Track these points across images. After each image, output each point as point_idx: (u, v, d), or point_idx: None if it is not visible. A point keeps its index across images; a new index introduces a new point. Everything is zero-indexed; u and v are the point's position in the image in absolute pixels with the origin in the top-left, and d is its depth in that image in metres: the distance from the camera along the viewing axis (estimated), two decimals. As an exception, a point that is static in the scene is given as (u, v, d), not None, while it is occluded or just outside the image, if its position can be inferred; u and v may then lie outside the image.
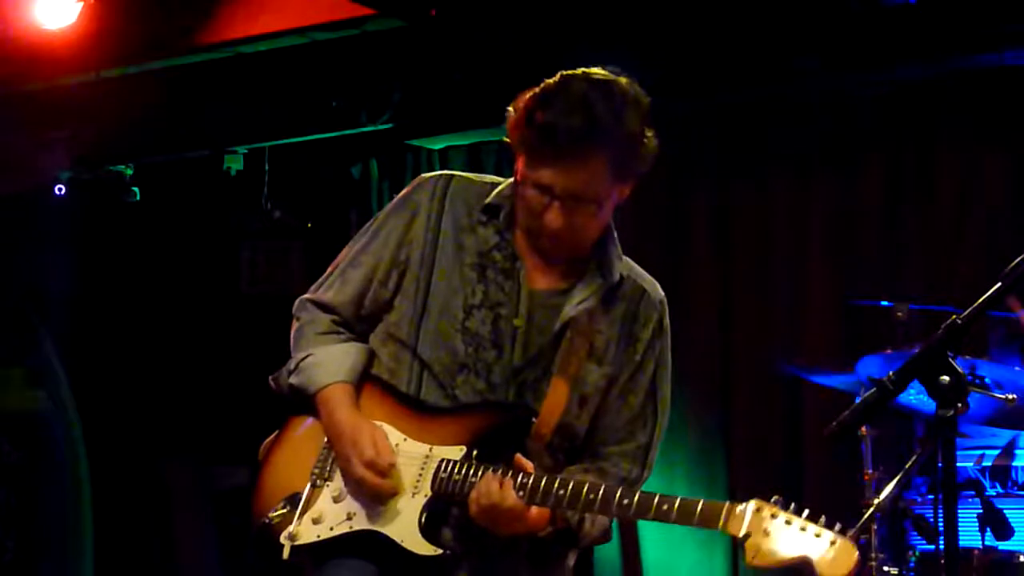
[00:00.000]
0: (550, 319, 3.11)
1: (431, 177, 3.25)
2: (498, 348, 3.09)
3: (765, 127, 6.60)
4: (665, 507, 2.82)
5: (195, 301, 7.69)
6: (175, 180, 7.57)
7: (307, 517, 3.08)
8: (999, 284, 2.48)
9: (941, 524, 2.47)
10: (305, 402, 3.18)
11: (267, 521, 3.12)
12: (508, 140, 3.09)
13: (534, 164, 3.00)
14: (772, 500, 2.76)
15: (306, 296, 3.29)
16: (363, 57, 6.44)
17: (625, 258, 3.26)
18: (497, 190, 3.18)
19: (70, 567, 7.43)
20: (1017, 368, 5.27)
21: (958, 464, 2.50)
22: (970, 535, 4.97)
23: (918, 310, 5.24)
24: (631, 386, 3.16)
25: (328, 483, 3.11)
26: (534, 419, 3.06)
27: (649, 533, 6.59)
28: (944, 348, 2.45)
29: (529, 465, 2.95)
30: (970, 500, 5.06)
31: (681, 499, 2.83)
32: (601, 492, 2.87)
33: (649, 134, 3.03)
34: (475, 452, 3.02)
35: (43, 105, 6.86)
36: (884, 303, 5.32)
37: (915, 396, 4.67)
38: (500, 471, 2.94)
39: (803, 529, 2.71)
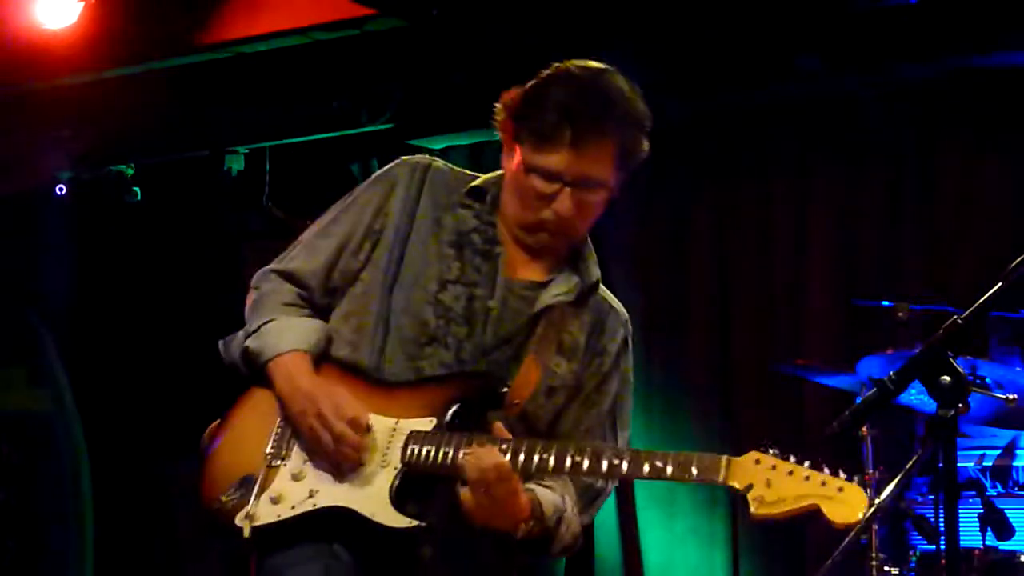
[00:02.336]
0: (524, 308, 3.05)
1: (411, 158, 3.20)
2: (469, 325, 3.02)
3: (766, 127, 6.60)
4: (659, 463, 2.73)
5: (195, 301, 7.69)
6: (176, 180, 7.57)
7: (264, 497, 2.93)
8: (999, 284, 2.48)
9: (942, 524, 2.47)
10: (255, 371, 3.06)
11: (218, 506, 2.96)
12: (501, 133, 3.06)
13: (543, 151, 2.96)
14: (770, 451, 2.69)
15: (269, 267, 3.19)
16: (364, 57, 6.44)
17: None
18: (484, 176, 3.15)
19: (70, 567, 7.43)
20: (1018, 368, 5.27)
21: (959, 464, 2.49)
22: (971, 535, 4.97)
23: (919, 310, 5.24)
24: (595, 397, 3.11)
25: (285, 462, 2.97)
26: (507, 387, 2.98)
27: (650, 533, 6.60)
28: (945, 348, 2.45)
29: (506, 433, 2.86)
30: (971, 500, 5.06)
31: (678, 455, 2.74)
32: (589, 451, 2.79)
33: (648, 126, 3.05)
34: (445, 421, 2.92)
35: (44, 105, 6.86)
36: (885, 303, 5.32)
37: (916, 396, 4.67)
38: (477, 440, 2.85)
39: (807, 477, 2.64)
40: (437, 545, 2.91)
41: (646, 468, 2.75)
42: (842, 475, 2.63)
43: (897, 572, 5.01)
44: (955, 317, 2.46)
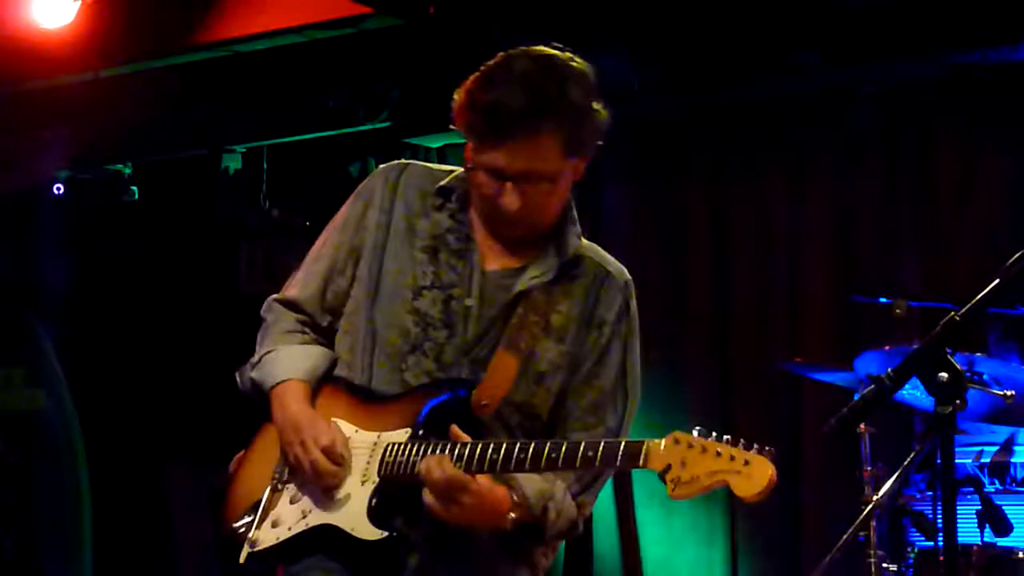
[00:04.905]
0: (502, 296, 3.07)
1: (386, 166, 3.24)
2: (449, 328, 3.05)
3: (763, 124, 6.60)
4: (590, 453, 2.80)
5: (193, 300, 7.69)
6: (173, 179, 7.57)
7: (267, 522, 3.09)
8: (997, 281, 2.48)
9: (940, 521, 2.47)
10: (263, 399, 3.17)
11: (232, 533, 3.13)
12: (455, 127, 3.05)
13: (482, 148, 2.97)
14: (695, 431, 2.72)
15: (273, 296, 3.29)
16: (361, 55, 6.43)
17: (591, 243, 3.20)
18: (452, 174, 3.16)
19: (69, 567, 7.43)
20: (1015, 364, 5.27)
21: (957, 461, 2.49)
22: (969, 531, 4.98)
23: (917, 307, 5.24)
24: (598, 370, 3.12)
25: (288, 486, 3.10)
26: (472, 391, 3.00)
27: (649, 531, 6.60)
28: (943, 345, 2.45)
29: (463, 436, 2.89)
30: (969, 496, 5.06)
31: (605, 442, 2.82)
32: (531, 448, 2.84)
33: (597, 106, 3.00)
34: (419, 431, 2.98)
35: (41, 104, 6.86)
36: (883, 300, 5.32)
37: (909, 392, 4.68)
38: (440, 447, 2.91)
39: (718, 454, 2.67)
40: (425, 550, 2.99)
41: (579, 460, 2.82)
42: (754, 448, 2.66)
43: (895, 569, 5.01)
44: (953, 314, 2.46)
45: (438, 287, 3.07)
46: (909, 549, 5.13)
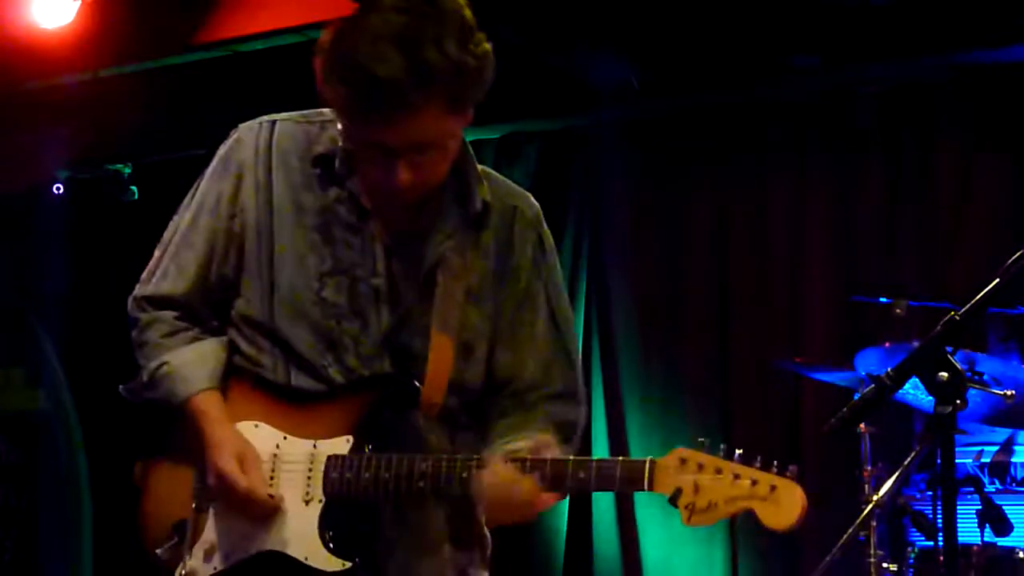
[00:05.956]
0: (414, 267, 2.72)
1: (248, 129, 2.85)
2: (361, 317, 2.70)
3: (763, 124, 6.59)
4: (582, 475, 2.50)
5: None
6: (173, 179, 7.54)
7: (198, 549, 2.73)
8: (997, 280, 2.48)
9: (940, 520, 2.47)
10: (168, 415, 2.84)
11: (156, 559, 2.82)
12: (322, 97, 2.61)
13: (360, 124, 2.57)
14: (699, 444, 2.48)
15: (139, 293, 2.93)
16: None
17: (491, 173, 2.85)
18: (326, 132, 2.76)
19: (69, 567, 7.43)
20: (1015, 363, 5.27)
21: (957, 460, 2.48)
22: (969, 531, 4.97)
23: (917, 307, 5.24)
24: (523, 317, 2.79)
25: (212, 502, 2.75)
26: (419, 385, 2.69)
27: (649, 531, 6.59)
28: (943, 344, 2.45)
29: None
30: (969, 496, 5.06)
31: (598, 462, 2.50)
32: (527, 466, 2.55)
33: (477, 49, 2.57)
34: (363, 440, 2.66)
35: (41, 104, 6.85)
36: (883, 300, 5.31)
37: (909, 391, 4.67)
38: (386, 459, 2.62)
39: (737, 476, 2.42)
40: (380, 567, 2.70)
41: (569, 482, 2.53)
42: (774, 468, 2.42)
43: (896, 569, 5.00)
44: (953, 313, 2.46)
45: (340, 271, 2.72)
46: (909, 549, 5.12)
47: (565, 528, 6.67)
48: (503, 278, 2.80)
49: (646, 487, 2.47)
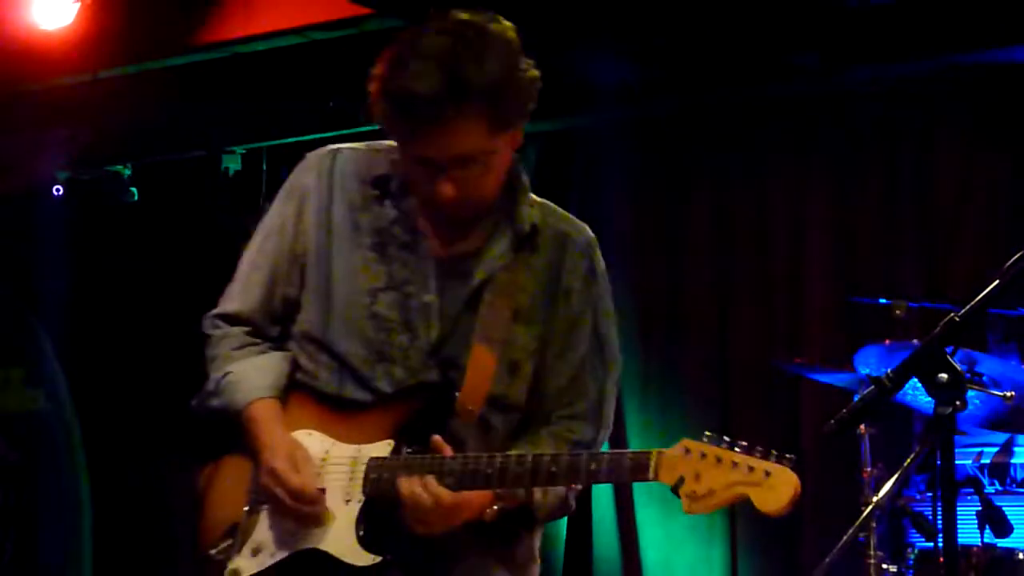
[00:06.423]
0: (463, 285, 2.86)
1: (315, 156, 3.01)
2: (411, 331, 2.84)
3: (763, 124, 6.60)
4: (593, 466, 2.62)
5: (192, 302, 7.68)
6: (173, 180, 7.57)
7: (247, 548, 2.87)
8: (997, 282, 2.48)
9: (940, 522, 2.47)
10: (230, 425, 2.97)
11: (209, 559, 2.91)
12: (372, 118, 2.81)
13: (404, 139, 2.77)
14: (704, 437, 2.56)
15: (212, 312, 3.08)
16: (361, 56, 6.41)
17: (545, 202, 2.99)
18: (386, 155, 2.94)
19: (69, 567, 7.43)
20: (1016, 365, 5.27)
21: (957, 462, 2.48)
22: (969, 532, 4.97)
23: (916, 308, 5.24)
24: (570, 342, 2.91)
25: (265, 506, 2.89)
26: (456, 394, 2.82)
27: (648, 532, 6.60)
28: (942, 345, 2.45)
29: (446, 448, 2.73)
30: (969, 497, 5.06)
31: (610, 455, 2.65)
32: (529, 462, 2.67)
33: (521, 72, 2.74)
34: (403, 444, 2.80)
35: (40, 106, 6.85)
36: (883, 301, 5.32)
37: (909, 392, 4.68)
38: (427, 462, 2.74)
39: (735, 464, 2.51)
40: (410, 570, 2.81)
41: (581, 474, 2.65)
42: (772, 457, 2.51)
43: (895, 570, 5.01)
44: (952, 315, 2.46)
45: (393, 287, 2.87)
46: (909, 550, 5.12)
47: (565, 529, 6.68)
48: (554, 301, 2.91)
49: (651, 476, 2.57)
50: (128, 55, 6.30)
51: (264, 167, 7.28)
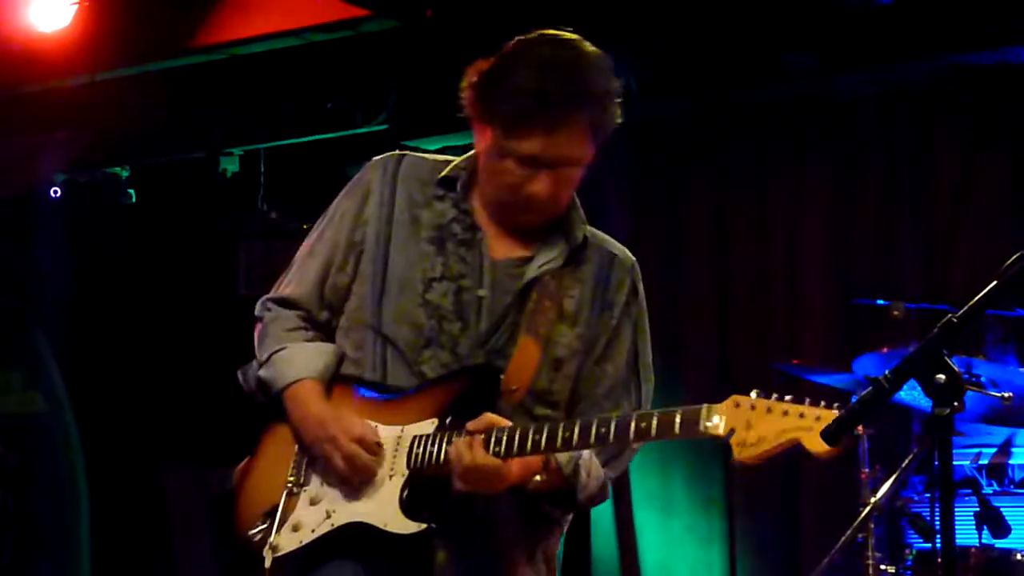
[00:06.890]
0: (513, 285, 3.03)
1: (382, 157, 3.18)
2: (463, 320, 3.00)
3: (762, 125, 6.60)
4: (644, 424, 2.72)
5: (191, 303, 7.69)
6: (171, 182, 7.57)
7: (286, 527, 2.99)
8: (995, 283, 2.48)
9: (938, 522, 2.47)
10: (270, 399, 3.10)
11: (247, 540, 3.04)
12: (469, 113, 2.99)
13: (516, 136, 2.92)
14: (752, 393, 2.66)
15: (267, 296, 3.21)
16: (359, 58, 6.43)
17: (591, 228, 3.17)
18: (453, 163, 3.11)
19: (68, 570, 7.43)
20: (1013, 366, 5.27)
21: (955, 462, 2.48)
22: (967, 533, 4.98)
23: (915, 309, 5.24)
24: (609, 352, 3.07)
25: (304, 488, 3.03)
26: (502, 376, 2.95)
27: (647, 533, 6.59)
28: (940, 347, 2.45)
29: (502, 420, 2.85)
30: (967, 498, 5.06)
31: (660, 412, 2.72)
32: (576, 426, 2.78)
33: (617, 86, 3.00)
34: (447, 422, 2.92)
35: (38, 108, 6.85)
36: (881, 302, 5.32)
37: (907, 393, 4.67)
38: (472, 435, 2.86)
39: (785, 413, 2.62)
40: (452, 547, 2.92)
41: (632, 432, 2.74)
42: (822, 403, 2.61)
43: (893, 571, 5.01)
44: (950, 316, 2.46)
45: (448, 278, 3.02)
46: (907, 551, 5.12)
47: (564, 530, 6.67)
48: (597, 310, 3.07)
49: (702, 430, 2.65)
50: (126, 57, 6.30)
51: (262, 169, 7.28)
